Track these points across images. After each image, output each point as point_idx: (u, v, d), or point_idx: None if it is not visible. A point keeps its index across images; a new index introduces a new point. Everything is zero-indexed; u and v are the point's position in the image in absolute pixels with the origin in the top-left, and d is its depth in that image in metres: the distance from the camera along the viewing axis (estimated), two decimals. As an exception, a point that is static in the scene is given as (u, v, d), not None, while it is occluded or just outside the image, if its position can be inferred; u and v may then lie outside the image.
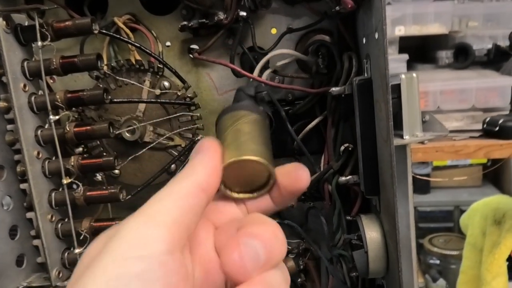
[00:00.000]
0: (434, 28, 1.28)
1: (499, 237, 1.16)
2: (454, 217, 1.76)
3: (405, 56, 1.24)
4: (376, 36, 0.39)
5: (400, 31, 1.29)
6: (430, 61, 1.47)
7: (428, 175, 1.79)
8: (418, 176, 1.51)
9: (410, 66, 1.35)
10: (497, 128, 0.92)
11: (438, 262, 1.59)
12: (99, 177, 0.55)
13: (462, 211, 1.55)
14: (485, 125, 0.95)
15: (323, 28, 0.53)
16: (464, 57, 1.28)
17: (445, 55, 1.38)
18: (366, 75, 0.46)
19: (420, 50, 1.49)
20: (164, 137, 0.54)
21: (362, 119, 0.45)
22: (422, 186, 1.77)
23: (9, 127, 0.53)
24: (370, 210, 0.52)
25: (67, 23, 0.47)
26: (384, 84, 0.38)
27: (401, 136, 0.77)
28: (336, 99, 0.49)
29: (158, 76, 0.54)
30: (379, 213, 0.48)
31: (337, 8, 0.43)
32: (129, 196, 0.52)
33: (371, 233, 0.47)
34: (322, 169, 0.52)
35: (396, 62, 1.20)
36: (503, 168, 1.81)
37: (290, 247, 0.57)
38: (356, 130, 0.48)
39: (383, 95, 0.40)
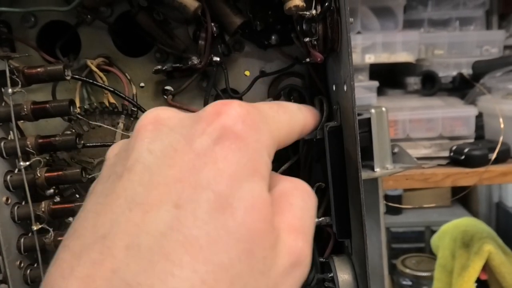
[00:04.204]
0: (402, 57, 1.33)
1: (467, 260, 1.20)
2: (425, 238, 1.80)
3: (375, 83, 1.28)
4: (345, 88, 0.41)
5: (370, 59, 1.34)
6: (399, 86, 1.52)
7: (400, 196, 1.83)
8: (388, 203, 1.54)
9: (381, 91, 1.40)
10: (463, 157, 0.95)
11: (410, 283, 1.61)
12: (71, 219, 0.54)
13: (433, 232, 1.59)
14: (451, 153, 0.99)
15: (295, 72, 0.55)
16: (431, 84, 1.33)
17: (413, 81, 1.43)
18: (336, 121, 0.47)
19: (390, 76, 1.54)
20: (138, 179, 0.54)
21: (333, 164, 0.46)
22: (394, 207, 1.81)
23: (-24, 170, 0.51)
24: (343, 250, 0.53)
25: (38, 69, 0.47)
26: (353, 136, 0.40)
27: (372, 168, 0.79)
28: (308, 143, 0.51)
29: (132, 118, 0.54)
30: (351, 255, 0.49)
31: (307, 60, 0.45)
32: (102, 240, 0.52)
33: (343, 275, 0.48)
34: (295, 210, 0.53)
35: (367, 89, 1.24)
36: (471, 189, 1.87)
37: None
38: (327, 173, 0.49)
39: (352, 145, 0.41)
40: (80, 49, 0.56)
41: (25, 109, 0.47)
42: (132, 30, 0.54)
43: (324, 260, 0.52)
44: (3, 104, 0.49)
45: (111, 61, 0.56)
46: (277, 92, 0.54)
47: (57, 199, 0.53)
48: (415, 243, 1.80)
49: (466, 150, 0.95)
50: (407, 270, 1.61)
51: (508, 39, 1.46)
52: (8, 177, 0.49)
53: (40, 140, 0.48)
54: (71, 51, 0.57)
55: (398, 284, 1.66)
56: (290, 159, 0.54)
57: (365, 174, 0.75)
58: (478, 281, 1.25)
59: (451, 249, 1.31)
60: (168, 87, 0.56)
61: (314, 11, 0.40)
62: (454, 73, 1.30)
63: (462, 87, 1.25)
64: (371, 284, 0.45)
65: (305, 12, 0.40)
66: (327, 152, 0.47)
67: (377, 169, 0.76)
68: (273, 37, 0.53)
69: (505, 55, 1.34)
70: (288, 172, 0.54)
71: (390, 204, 1.60)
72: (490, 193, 1.90)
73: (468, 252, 1.22)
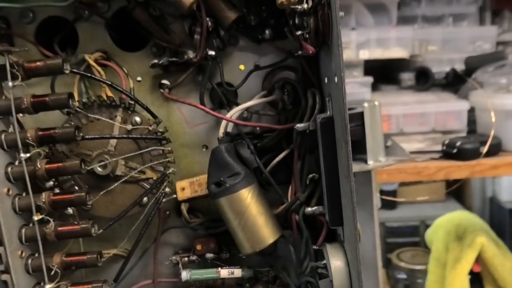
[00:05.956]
0: (396, 52, 1.34)
1: (460, 253, 1.22)
2: (420, 232, 1.82)
3: (370, 79, 1.30)
4: (336, 80, 0.42)
5: (365, 54, 1.35)
6: (393, 82, 1.53)
7: (394, 191, 1.85)
8: (383, 197, 1.56)
9: (375, 87, 1.41)
10: (455, 150, 0.97)
11: (405, 276, 1.63)
12: (70, 210, 0.55)
13: (427, 226, 1.61)
14: (444, 147, 1.01)
15: (288, 65, 0.56)
16: (424, 79, 1.35)
17: (407, 77, 1.44)
18: (328, 112, 0.48)
19: (384, 71, 1.55)
20: (136, 171, 0.55)
21: (326, 155, 0.48)
22: (389, 202, 1.83)
23: (-23, 163, 0.52)
24: (335, 239, 0.54)
25: (38, 63, 0.48)
26: (344, 126, 0.41)
27: (365, 161, 0.80)
28: (301, 134, 0.52)
29: (129, 112, 0.55)
30: (343, 243, 0.51)
31: (300, 52, 0.46)
32: (101, 231, 0.53)
33: (336, 262, 0.49)
34: (289, 199, 0.55)
35: (361, 85, 1.25)
36: (465, 184, 1.89)
37: (259, 275, 0.59)
38: (320, 164, 0.50)
39: (343, 135, 0.42)
40: (78, 44, 0.57)
41: (25, 102, 0.48)
42: (129, 25, 0.55)
43: (317, 247, 0.53)
44: (3, 98, 0.50)
45: (108, 55, 0.57)
46: (271, 85, 0.55)
47: (57, 190, 0.54)
48: (410, 237, 1.82)
49: (458, 143, 0.97)
50: (402, 264, 1.63)
51: (501, 35, 1.47)
52: (9, 168, 0.50)
53: (40, 133, 0.49)
54: (69, 46, 0.58)
55: (393, 278, 1.68)
56: (284, 151, 0.55)
57: (358, 167, 0.77)
58: (472, 273, 1.27)
59: (444, 242, 1.32)
60: (164, 81, 0.57)
61: (305, 5, 0.42)
62: (448, 68, 1.32)
63: (455, 82, 1.27)
64: (363, 272, 0.46)
65: (297, 6, 0.42)
66: (320, 143, 0.49)
67: (370, 162, 0.77)
68: (267, 32, 0.54)
69: (497, 50, 1.36)
70: (282, 163, 0.56)
71: (385, 197, 1.61)
72: (483, 187, 1.92)
73: (461, 245, 1.24)
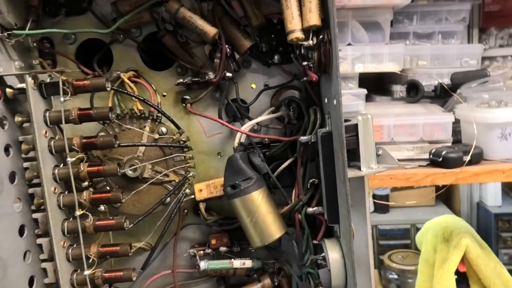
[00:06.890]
0: (388, 67, 1.43)
1: (447, 254, 1.30)
2: (411, 235, 1.92)
3: (364, 91, 1.39)
4: (334, 102, 0.51)
5: (359, 68, 1.44)
6: (386, 93, 1.63)
7: (387, 196, 1.94)
8: (376, 201, 1.65)
9: (369, 97, 1.50)
10: (440, 159, 1.06)
11: (396, 276, 1.72)
12: (102, 207, 0.63)
13: (418, 229, 1.70)
14: (431, 156, 1.10)
15: (293, 86, 0.65)
16: (415, 92, 1.45)
17: (399, 89, 1.54)
18: (328, 128, 0.57)
19: (378, 83, 1.65)
20: (161, 174, 0.64)
21: (325, 163, 0.57)
22: (382, 206, 1.92)
23: (25, 164, 0.61)
24: (332, 235, 0.63)
25: (85, 81, 0.57)
26: (341, 140, 0.50)
27: (359, 168, 0.89)
28: (304, 145, 0.61)
29: (157, 123, 0.64)
30: (340, 238, 0.60)
31: (305, 78, 0.55)
32: (131, 225, 0.62)
33: (333, 254, 0.58)
34: (293, 201, 0.64)
35: (356, 97, 1.34)
36: (453, 190, 1.99)
37: (266, 267, 0.68)
38: (320, 170, 0.59)
39: (340, 147, 0.52)
40: (112, 62, 0.66)
41: (73, 114, 0.57)
42: (157, 48, 0.64)
43: (317, 242, 0.62)
44: (52, 110, 0.59)
45: (138, 73, 0.66)
46: (279, 102, 0.64)
47: (92, 190, 0.63)
48: (401, 239, 1.92)
49: (443, 152, 1.06)
50: (394, 265, 1.72)
51: (487, 50, 1.58)
52: (56, 170, 0.59)
53: (84, 140, 0.58)
54: (104, 64, 0.66)
55: (386, 278, 1.77)
56: (288, 159, 0.64)
57: (352, 173, 0.86)
58: (458, 273, 1.36)
59: (433, 244, 1.41)
60: (186, 96, 0.66)
61: (311, 42, 0.51)
62: (436, 82, 1.41)
63: (443, 95, 1.36)
64: (356, 270, 0.55)
65: (303, 42, 0.51)
66: (320, 153, 0.58)
67: (363, 169, 0.86)
68: (275, 57, 0.63)
69: (483, 66, 1.46)
70: (287, 170, 0.65)
71: (378, 201, 1.71)
72: (471, 193, 2.01)
73: (448, 246, 1.32)
